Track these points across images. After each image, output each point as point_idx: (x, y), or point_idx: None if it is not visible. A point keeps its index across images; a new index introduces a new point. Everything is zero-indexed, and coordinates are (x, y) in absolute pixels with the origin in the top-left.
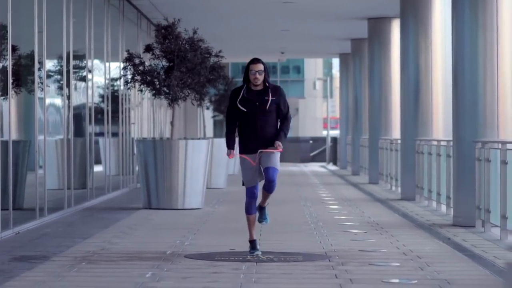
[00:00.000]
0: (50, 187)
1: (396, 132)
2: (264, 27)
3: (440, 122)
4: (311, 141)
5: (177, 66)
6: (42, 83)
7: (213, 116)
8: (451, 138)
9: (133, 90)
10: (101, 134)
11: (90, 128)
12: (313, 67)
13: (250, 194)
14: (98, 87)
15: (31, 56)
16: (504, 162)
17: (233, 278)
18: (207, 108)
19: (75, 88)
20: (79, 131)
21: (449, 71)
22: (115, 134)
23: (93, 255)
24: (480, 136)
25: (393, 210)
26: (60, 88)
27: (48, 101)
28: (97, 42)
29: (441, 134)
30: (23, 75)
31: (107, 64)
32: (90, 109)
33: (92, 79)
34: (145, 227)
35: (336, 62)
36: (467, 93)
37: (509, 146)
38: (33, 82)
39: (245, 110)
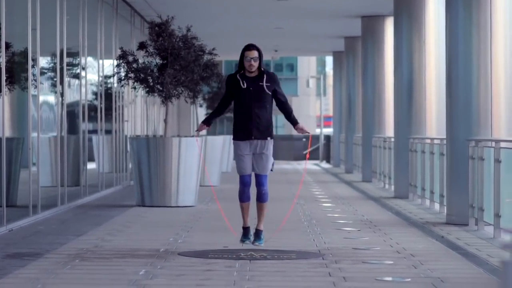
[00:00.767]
0: (44, 184)
1: (389, 130)
2: (258, 25)
3: (434, 120)
4: (304, 139)
5: (171, 63)
6: (35, 81)
7: (207, 114)
8: (444, 137)
9: (127, 87)
10: (94, 131)
11: (84, 126)
12: (307, 65)
13: (243, 182)
14: (91, 84)
15: (24, 53)
16: (497, 161)
17: (226, 276)
18: (201, 106)
19: (69, 86)
20: (72, 128)
21: (443, 69)
22: (108, 132)
23: (87, 253)
24: (473, 135)
25: (387, 208)
26: (54, 85)
27: (41, 98)
28: (91, 40)
29: (434, 132)
30: (16, 72)
31: (100, 61)
32: (83, 107)
33: (85, 77)
34: (139, 225)
35: (329, 60)
36: (460, 92)
37: (502, 144)
38: (26, 79)
39: (240, 96)
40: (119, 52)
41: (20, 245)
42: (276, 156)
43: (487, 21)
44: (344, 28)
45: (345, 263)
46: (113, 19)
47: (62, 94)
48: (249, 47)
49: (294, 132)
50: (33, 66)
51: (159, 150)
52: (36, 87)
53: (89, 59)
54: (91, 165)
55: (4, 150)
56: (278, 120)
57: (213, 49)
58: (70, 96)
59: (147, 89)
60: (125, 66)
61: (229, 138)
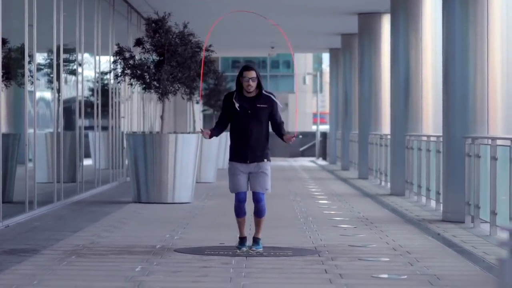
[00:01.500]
0: (40, 180)
1: (386, 127)
2: (254, 22)
3: (430, 118)
4: (300, 136)
5: (167, 60)
6: (32, 77)
7: (203, 110)
8: (441, 134)
9: (123, 84)
10: (91, 127)
11: (80, 122)
12: (303, 62)
13: (239, 199)
14: (88, 80)
15: (21, 50)
16: (494, 158)
17: (222, 273)
18: (197, 103)
19: (65, 82)
20: (69, 124)
21: (439, 66)
22: (105, 128)
23: (83, 249)
24: (470, 132)
25: (383, 205)
26: (50, 81)
27: (38, 94)
28: (88, 36)
29: (431, 129)
30: (13, 68)
31: (97, 57)
32: (80, 103)
33: (82, 73)
34: (135, 221)
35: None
36: (457, 89)
37: (499, 142)
38: (23, 75)
39: (237, 116)
40: (115, 48)
41: (16, 241)
42: (272, 153)
43: (483, 18)
44: (340, 25)
45: (341, 260)
46: (110, 16)
47: (58, 90)
48: (247, 67)
49: (291, 130)
50: (29, 62)
51: (155, 147)
52: (32, 83)
53: (86, 55)
54: (87, 162)
55: (1, 146)
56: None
57: (210, 45)
58: (67, 92)
59: (144, 85)
60: (122, 63)
61: (225, 134)
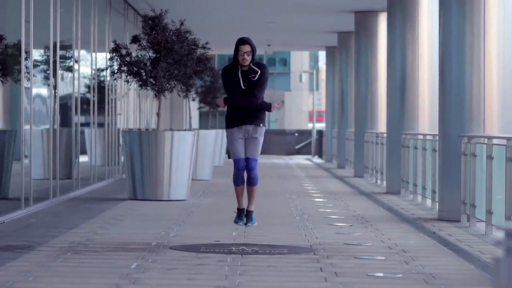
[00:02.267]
0: (36, 177)
1: (382, 125)
2: (251, 19)
3: (426, 116)
4: (296, 134)
5: (164, 57)
6: (28, 73)
7: (199, 108)
8: (437, 133)
9: (120, 80)
10: (87, 124)
11: (76, 118)
12: (300, 59)
13: (237, 166)
14: (84, 77)
15: (17, 46)
16: (490, 157)
17: (218, 270)
18: (193, 100)
19: (62, 78)
20: (65, 121)
21: (436, 65)
22: (101, 125)
23: (78, 246)
24: (466, 131)
25: (378, 204)
26: (47, 78)
27: (34, 91)
28: (84, 32)
29: (427, 128)
30: (9, 64)
31: (93, 54)
32: (76, 99)
33: (78, 70)
34: (131, 218)
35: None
36: (453, 88)
37: (495, 141)
38: (19, 71)
39: (233, 87)
40: (112, 45)
41: (12, 238)
42: (268, 151)
43: (480, 17)
44: (337, 23)
45: (337, 258)
46: (106, 12)
47: (55, 87)
48: (243, 41)
49: (286, 127)
50: (26, 59)
51: (151, 144)
52: (29, 79)
53: (82, 52)
54: (83, 158)
55: None
56: (271, 115)
57: (206, 43)
58: (63, 89)
59: (140, 82)
60: (118, 59)
61: (221, 132)
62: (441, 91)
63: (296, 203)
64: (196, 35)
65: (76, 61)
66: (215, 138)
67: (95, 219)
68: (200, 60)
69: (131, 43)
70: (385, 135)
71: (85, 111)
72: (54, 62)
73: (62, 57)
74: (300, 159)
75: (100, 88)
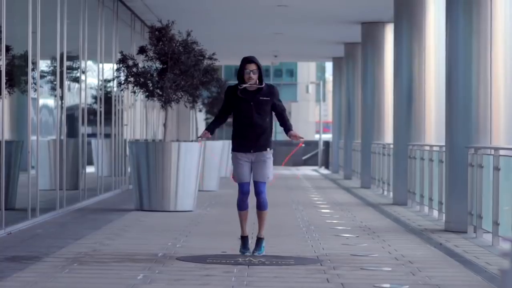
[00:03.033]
0: (42, 187)
1: (388, 136)
2: (258, 30)
3: (433, 127)
4: (303, 145)
5: (171, 68)
6: (35, 84)
7: (206, 119)
8: (443, 144)
9: (126, 91)
10: (93, 135)
11: (83, 129)
12: (306, 70)
13: (242, 191)
14: (91, 88)
15: (24, 57)
16: (496, 168)
17: (224, 281)
18: (200, 111)
19: (68, 89)
20: (71, 132)
21: (443, 76)
22: (107, 135)
23: (85, 256)
24: (473, 142)
25: (385, 215)
26: (53, 88)
27: (41, 101)
28: (91, 43)
29: (433, 139)
30: (16, 75)
31: (100, 65)
32: (83, 110)
33: (85, 80)
34: (137, 229)
35: (329, 66)
36: (460, 99)
37: (501, 152)
38: (26, 82)
39: (240, 109)
40: (119, 56)
41: (18, 248)
42: (275, 162)
43: (487, 27)
44: (344, 34)
45: (343, 269)
46: (113, 23)
47: (61, 98)
48: (248, 60)
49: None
50: (33, 69)
51: (158, 155)
52: (36, 90)
53: (89, 62)
54: (90, 169)
55: (3, 153)
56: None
57: (213, 54)
58: (70, 100)
59: (147, 93)
60: (125, 70)
61: (228, 143)
62: (448, 102)
63: (302, 214)
64: (203, 46)
65: (83, 72)
66: (222, 149)
67: (102, 229)
68: (206, 71)
69: (138, 54)
70: (391, 146)
71: (91, 122)
72: (61, 73)
73: (69, 68)
74: (307, 170)
75: (107, 99)
